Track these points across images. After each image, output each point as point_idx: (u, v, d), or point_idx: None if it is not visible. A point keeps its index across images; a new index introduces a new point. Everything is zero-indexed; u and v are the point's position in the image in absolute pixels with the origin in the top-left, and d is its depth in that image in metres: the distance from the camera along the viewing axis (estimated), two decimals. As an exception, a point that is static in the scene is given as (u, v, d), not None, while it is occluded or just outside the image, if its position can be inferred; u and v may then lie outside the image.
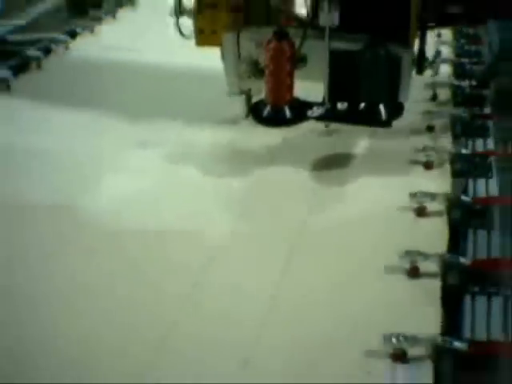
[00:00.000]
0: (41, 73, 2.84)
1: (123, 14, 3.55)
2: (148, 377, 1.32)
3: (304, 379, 1.35)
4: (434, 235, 1.72)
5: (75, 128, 2.33)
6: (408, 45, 1.97)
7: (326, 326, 1.47)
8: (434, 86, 2.44)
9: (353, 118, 1.99)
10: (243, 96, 2.20)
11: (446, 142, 2.15)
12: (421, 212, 1.81)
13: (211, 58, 2.19)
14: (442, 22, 2.17)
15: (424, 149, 2.07)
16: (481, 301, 1.48)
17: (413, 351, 1.36)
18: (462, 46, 2.78)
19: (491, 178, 1.94)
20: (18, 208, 1.90)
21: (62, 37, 3.15)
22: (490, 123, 2.21)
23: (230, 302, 1.53)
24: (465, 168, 2.00)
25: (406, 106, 2.03)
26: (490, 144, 2.11)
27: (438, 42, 2.77)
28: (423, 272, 1.58)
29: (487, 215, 1.76)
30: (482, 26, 2.63)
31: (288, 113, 2.02)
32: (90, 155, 2.15)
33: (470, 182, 1.93)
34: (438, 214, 1.80)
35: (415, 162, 2.04)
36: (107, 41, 3.10)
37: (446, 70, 2.60)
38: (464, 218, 1.77)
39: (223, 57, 2.17)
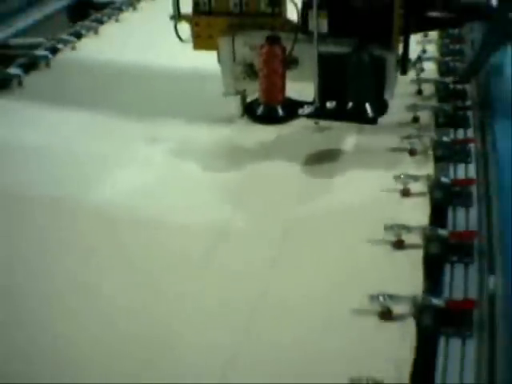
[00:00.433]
0: (49, 71, 2.94)
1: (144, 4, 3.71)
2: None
3: (302, 326, 1.48)
4: (417, 212, 1.84)
5: (80, 125, 2.42)
6: (392, 48, 2.08)
7: (318, 285, 1.60)
8: (419, 81, 2.55)
9: (341, 115, 2.10)
10: (238, 96, 2.29)
11: (429, 131, 2.25)
12: (405, 193, 1.92)
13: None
14: (423, 27, 2.30)
15: (409, 137, 2.17)
16: (459, 268, 1.61)
17: (397, 309, 1.48)
18: (446, 44, 2.88)
19: (470, 163, 2.06)
20: (25, 200, 1.98)
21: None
22: (470, 114, 2.32)
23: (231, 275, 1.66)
24: (446, 154, 2.11)
25: (394, 99, 2.14)
26: (470, 133, 2.21)
27: (425, 41, 2.86)
28: (407, 244, 1.70)
29: (465, 195, 1.88)
30: (466, 26, 2.71)
31: (280, 111, 2.13)
32: (93, 151, 2.24)
33: (451, 166, 2.05)
34: (421, 194, 1.91)
35: (401, 150, 2.14)
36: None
37: (431, 67, 2.70)
38: (444, 197, 1.88)
39: (219, 60, 2.26)
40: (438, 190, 1.90)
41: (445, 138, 2.16)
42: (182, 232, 1.81)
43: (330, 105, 2.09)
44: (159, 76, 2.81)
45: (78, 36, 3.27)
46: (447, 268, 1.62)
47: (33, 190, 2.04)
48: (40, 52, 3.02)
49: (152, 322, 1.52)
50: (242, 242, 1.79)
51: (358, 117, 2.09)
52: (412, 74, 2.47)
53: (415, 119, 2.33)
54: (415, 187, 1.93)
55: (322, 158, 2.16)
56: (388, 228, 1.72)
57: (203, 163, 2.13)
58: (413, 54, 2.33)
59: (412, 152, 2.13)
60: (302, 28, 2.09)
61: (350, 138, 2.25)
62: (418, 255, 1.67)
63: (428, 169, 2.04)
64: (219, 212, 1.90)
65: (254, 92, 2.22)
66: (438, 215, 1.84)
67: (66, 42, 3.17)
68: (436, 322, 1.45)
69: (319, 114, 2.12)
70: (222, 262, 1.71)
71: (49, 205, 1.97)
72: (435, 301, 1.47)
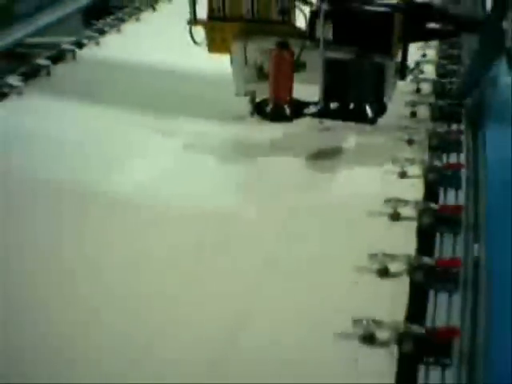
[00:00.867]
0: (75, 63, 3.16)
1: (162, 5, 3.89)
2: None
3: (310, 284, 1.68)
4: (412, 190, 2.05)
5: (100, 120, 2.56)
6: (391, 56, 2.24)
7: (320, 251, 1.81)
8: (417, 80, 2.73)
9: (343, 115, 2.27)
10: (248, 96, 2.43)
11: (426, 124, 2.45)
12: (403, 175, 2.14)
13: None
14: (421, 37, 2.46)
15: (406, 128, 2.38)
16: (448, 237, 1.84)
17: (393, 267, 1.70)
18: (444, 49, 3.05)
19: (461, 152, 2.26)
20: (49, 186, 2.13)
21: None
22: (463, 110, 2.50)
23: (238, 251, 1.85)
24: (440, 143, 2.31)
25: (394, 96, 2.32)
26: (462, 126, 2.40)
27: (425, 46, 3.01)
28: (403, 216, 1.92)
29: (455, 177, 2.10)
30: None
31: (288, 110, 2.31)
32: (113, 144, 2.39)
33: (444, 154, 2.26)
34: (416, 176, 2.13)
35: (399, 139, 2.33)
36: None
37: (430, 69, 2.90)
38: (437, 179, 2.11)
39: (232, 62, 2.42)
40: (431, 173, 2.12)
41: (439, 130, 2.37)
42: (197, 216, 1.96)
43: (333, 105, 2.27)
44: (175, 74, 2.96)
45: (102, 32, 3.49)
46: (437, 236, 1.85)
47: (57, 176, 2.20)
48: (67, 46, 3.23)
49: (176, 303, 1.65)
50: (251, 224, 1.96)
51: (359, 117, 2.26)
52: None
53: (413, 114, 2.53)
54: (412, 170, 2.14)
55: (325, 155, 2.30)
56: (387, 201, 1.94)
57: (216, 156, 2.28)
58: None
59: (410, 142, 2.32)
60: (309, 35, 2.25)
61: (352, 133, 2.39)
62: (412, 226, 1.89)
63: (424, 156, 2.24)
64: (231, 198, 2.06)
65: (263, 93, 2.38)
66: (431, 194, 2.06)
67: (90, 38, 3.39)
68: (427, 278, 1.67)
69: (323, 113, 2.29)
70: (235, 239, 1.89)
71: (69, 190, 2.12)
72: (427, 260, 1.70)
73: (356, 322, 1.52)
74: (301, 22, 2.31)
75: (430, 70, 2.90)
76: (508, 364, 1.38)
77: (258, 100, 2.43)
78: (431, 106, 2.56)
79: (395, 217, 1.92)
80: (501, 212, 1.87)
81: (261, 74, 2.38)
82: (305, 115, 2.31)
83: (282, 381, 1.43)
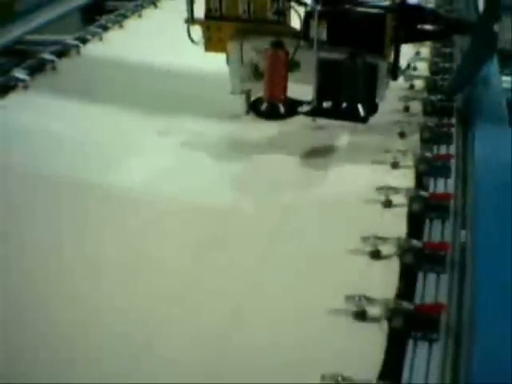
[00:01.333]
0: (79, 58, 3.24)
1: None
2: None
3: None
4: (404, 180, 2.13)
5: (98, 118, 2.62)
6: (384, 56, 2.28)
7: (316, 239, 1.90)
8: (411, 77, 2.81)
9: (335, 114, 2.31)
10: (244, 95, 2.47)
11: (418, 118, 2.52)
12: (395, 165, 2.22)
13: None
14: (413, 38, 2.49)
15: (399, 122, 2.46)
16: (437, 223, 1.92)
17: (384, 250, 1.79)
18: (438, 48, 3.12)
19: (451, 144, 2.34)
20: (50, 182, 2.18)
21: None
22: (454, 105, 2.56)
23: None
24: (431, 136, 2.39)
25: (388, 92, 2.38)
26: (453, 120, 2.47)
27: (418, 44, 3.04)
28: (395, 203, 2.00)
29: (445, 167, 2.18)
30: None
31: (282, 108, 2.35)
32: (111, 141, 2.44)
33: (435, 146, 2.33)
34: (408, 166, 2.21)
35: (392, 132, 2.41)
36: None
37: (423, 66, 2.98)
38: (427, 169, 2.19)
39: (228, 61, 2.46)
40: (422, 164, 2.20)
41: (430, 123, 2.45)
42: (193, 211, 2.02)
43: (326, 104, 2.31)
44: (173, 73, 3.02)
45: (105, 28, 3.58)
46: (427, 222, 1.93)
47: (56, 173, 2.25)
48: (71, 41, 3.32)
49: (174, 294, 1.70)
50: (246, 219, 2.01)
51: (351, 116, 2.30)
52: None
53: (406, 108, 2.60)
54: (403, 161, 2.22)
55: (318, 152, 2.36)
56: (379, 189, 2.03)
57: (213, 153, 2.34)
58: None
59: (402, 135, 2.41)
60: (303, 35, 2.30)
61: (343, 134, 2.46)
62: (403, 212, 1.97)
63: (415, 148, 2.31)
64: (227, 194, 2.12)
65: (258, 91, 2.42)
66: (421, 183, 2.14)
67: (94, 34, 3.48)
68: (416, 260, 1.76)
69: (316, 112, 2.33)
70: (231, 233, 1.95)
71: (69, 186, 2.17)
72: (415, 242, 1.79)
73: (348, 298, 1.60)
74: (296, 22, 2.35)
75: (423, 67, 2.98)
76: (490, 337, 1.46)
77: (253, 98, 2.47)
78: (423, 100, 2.64)
79: (387, 204, 2.01)
80: (486, 201, 1.94)
81: (256, 73, 2.42)
82: (298, 114, 2.34)
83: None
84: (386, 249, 1.80)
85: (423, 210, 1.97)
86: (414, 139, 2.38)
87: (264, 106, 2.37)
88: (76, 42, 3.33)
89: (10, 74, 2.94)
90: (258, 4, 2.39)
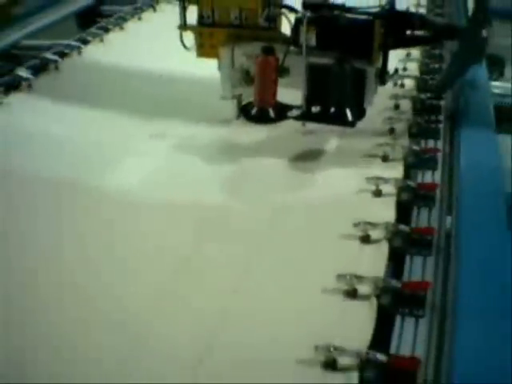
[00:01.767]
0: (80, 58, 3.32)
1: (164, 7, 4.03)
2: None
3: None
4: (393, 171, 2.22)
5: (92, 121, 2.67)
6: (372, 62, 2.32)
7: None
8: (401, 77, 2.88)
9: (324, 118, 2.35)
10: (234, 100, 2.51)
11: (407, 115, 2.59)
12: (385, 158, 2.31)
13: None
14: (401, 44, 2.51)
15: (390, 118, 2.54)
16: (424, 210, 2.01)
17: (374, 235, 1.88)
18: (428, 49, 3.18)
19: (439, 139, 2.42)
20: (43, 183, 2.23)
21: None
22: (442, 102, 2.63)
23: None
24: (419, 132, 2.47)
25: (380, 89, 2.43)
26: (441, 117, 2.55)
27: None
28: (384, 192, 2.09)
29: (431, 160, 2.26)
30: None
31: (272, 113, 2.40)
32: (104, 143, 2.49)
33: (422, 141, 2.42)
34: (398, 159, 2.29)
35: (382, 130, 2.49)
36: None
37: (414, 66, 3.06)
38: (416, 162, 2.28)
39: (219, 67, 2.50)
40: (410, 156, 2.29)
41: (419, 120, 2.53)
42: (186, 214, 2.07)
43: (315, 109, 2.35)
44: (167, 79, 3.07)
45: (106, 30, 3.66)
46: (414, 210, 2.02)
47: (50, 174, 2.30)
48: (72, 42, 3.41)
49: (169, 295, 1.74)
50: (237, 219, 2.06)
51: (339, 120, 2.34)
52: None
53: (396, 106, 2.68)
54: (393, 154, 2.31)
55: (307, 157, 2.40)
56: (369, 179, 2.12)
57: (203, 157, 2.37)
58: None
59: (391, 131, 2.50)
60: (293, 41, 2.33)
61: (331, 138, 2.51)
62: (392, 201, 2.06)
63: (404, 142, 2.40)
64: (217, 197, 2.16)
65: (248, 96, 2.46)
66: (409, 173, 2.24)
67: (94, 35, 3.56)
68: (404, 244, 1.85)
69: (305, 116, 2.37)
70: (221, 233, 2.00)
71: (64, 188, 2.21)
72: (403, 227, 1.88)
73: (340, 277, 1.69)
74: (286, 28, 2.38)
75: (413, 67, 3.06)
76: (472, 313, 1.55)
77: (243, 103, 2.51)
78: (413, 99, 2.71)
79: (377, 193, 2.10)
80: (470, 190, 2.04)
81: (247, 79, 2.46)
82: (288, 118, 2.38)
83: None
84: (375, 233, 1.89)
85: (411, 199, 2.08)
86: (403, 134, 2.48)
87: (254, 111, 2.41)
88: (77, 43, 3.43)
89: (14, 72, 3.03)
90: (249, 11, 2.43)
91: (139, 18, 3.93)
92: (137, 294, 1.73)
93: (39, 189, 2.22)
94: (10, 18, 3.92)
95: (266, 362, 1.52)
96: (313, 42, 2.31)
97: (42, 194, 2.19)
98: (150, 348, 1.56)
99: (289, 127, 2.46)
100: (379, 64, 2.39)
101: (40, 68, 3.13)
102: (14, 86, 2.95)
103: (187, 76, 2.99)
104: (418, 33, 2.44)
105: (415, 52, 3.17)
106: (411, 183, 2.11)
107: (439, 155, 2.31)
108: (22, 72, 3.03)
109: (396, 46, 2.49)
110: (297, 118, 2.39)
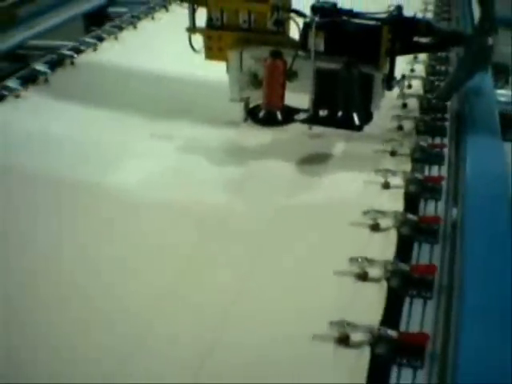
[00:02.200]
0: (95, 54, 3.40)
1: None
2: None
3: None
4: (401, 165, 2.28)
5: (97, 120, 2.70)
6: (379, 67, 2.35)
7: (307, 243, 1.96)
8: (409, 78, 2.94)
9: (331, 122, 2.37)
10: (242, 103, 2.53)
11: (415, 113, 2.66)
12: (393, 153, 2.36)
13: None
14: (408, 50, 2.55)
15: (398, 116, 2.60)
16: (431, 202, 2.09)
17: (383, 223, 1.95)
18: (433, 65, 3.18)
19: (446, 136, 2.49)
20: (46, 182, 2.24)
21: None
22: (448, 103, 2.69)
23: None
24: (426, 129, 2.52)
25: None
26: (447, 115, 2.61)
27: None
28: (392, 185, 2.16)
29: (439, 157, 2.35)
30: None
31: (279, 116, 2.42)
32: (110, 144, 2.50)
33: (429, 138, 2.47)
34: (405, 155, 2.35)
35: (390, 128, 2.54)
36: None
37: (421, 68, 3.12)
38: (422, 157, 2.35)
39: (228, 70, 2.53)
40: (418, 152, 2.36)
41: (426, 118, 2.60)
42: (189, 213, 2.08)
43: (322, 113, 2.37)
44: (175, 78, 3.09)
45: (120, 29, 3.76)
46: (422, 202, 2.09)
47: (53, 174, 2.31)
48: (89, 39, 3.53)
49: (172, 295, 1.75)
50: (240, 221, 2.07)
51: (346, 124, 2.36)
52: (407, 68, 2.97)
53: (404, 105, 2.73)
54: (401, 150, 2.38)
55: (313, 160, 2.41)
56: (378, 172, 2.19)
57: (210, 158, 2.38)
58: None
59: (400, 127, 2.56)
60: (302, 46, 2.36)
61: (338, 142, 2.52)
62: (400, 192, 2.13)
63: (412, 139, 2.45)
64: (222, 198, 2.17)
65: (256, 99, 2.49)
66: (417, 167, 2.29)
67: (109, 33, 3.66)
68: (412, 231, 1.92)
69: (313, 120, 2.39)
70: (224, 234, 2.01)
71: (66, 187, 2.23)
72: (411, 217, 1.95)
73: (352, 260, 1.76)
74: (294, 33, 2.41)
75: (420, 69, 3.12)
76: (477, 294, 1.62)
77: (251, 106, 2.53)
78: (420, 98, 2.79)
79: (386, 186, 2.16)
80: (475, 183, 2.10)
81: (255, 82, 2.48)
82: (295, 121, 2.40)
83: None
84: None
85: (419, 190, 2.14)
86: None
87: (262, 113, 2.43)
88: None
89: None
90: (258, 14, 2.45)
91: (152, 18, 4.02)
92: (137, 293, 1.74)
93: (40, 187, 2.24)
94: (16, 19, 3.94)
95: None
96: (321, 46, 2.33)
97: (43, 192, 2.21)
98: (149, 348, 1.57)
99: (296, 130, 2.48)
100: (386, 69, 2.41)
101: (57, 63, 3.21)
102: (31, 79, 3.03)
103: (195, 78, 3.02)
104: (425, 39, 2.47)
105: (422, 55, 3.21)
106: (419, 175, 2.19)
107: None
108: (40, 66, 3.12)
109: (403, 52, 2.51)
110: (304, 122, 2.41)
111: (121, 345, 1.58)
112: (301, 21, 2.38)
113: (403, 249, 1.89)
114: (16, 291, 1.75)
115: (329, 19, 2.32)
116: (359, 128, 2.36)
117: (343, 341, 1.55)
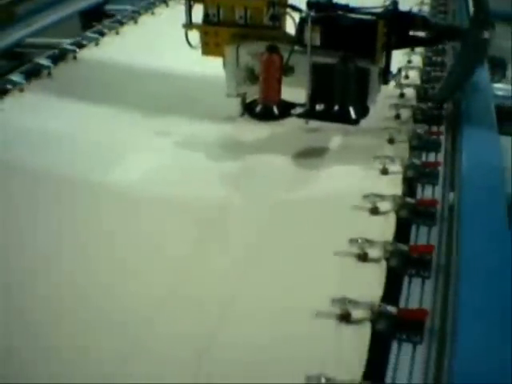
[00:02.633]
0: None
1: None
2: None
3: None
4: (402, 152, 2.33)
5: (96, 117, 2.71)
6: (375, 61, 2.35)
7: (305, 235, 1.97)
8: (407, 68, 2.99)
9: (327, 116, 2.38)
10: (239, 98, 2.53)
11: (412, 102, 2.70)
12: (391, 141, 2.42)
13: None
14: (404, 44, 2.57)
15: (396, 105, 2.64)
16: (428, 187, 2.14)
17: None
18: (430, 56, 3.22)
19: (442, 125, 2.53)
20: (46, 179, 2.25)
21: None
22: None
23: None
24: (424, 117, 2.56)
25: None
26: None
27: None
28: (391, 171, 2.21)
29: (436, 143, 2.40)
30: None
31: (276, 110, 2.42)
32: (109, 140, 2.51)
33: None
34: (403, 141, 2.41)
35: (388, 117, 2.58)
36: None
37: (418, 59, 3.15)
38: (420, 145, 2.40)
39: (224, 65, 2.53)
40: (415, 139, 2.41)
41: (423, 106, 2.65)
42: (188, 208, 2.10)
43: (318, 107, 2.38)
44: (171, 75, 3.11)
45: (121, 24, 3.81)
46: (419, 186, 2.14)
47: (54, 171, 2.32)
48: (91, 34, 3.59)
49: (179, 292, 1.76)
50: (238, 215, 2.08)
51: (343, 118, 2.37)
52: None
53: (402, 95, 2.77)
54: (399, 137, 2.42)
55: (310, 154, 2.42)
56: (376, 158, 2.25)
57: (208, 153, 2.40)
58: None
59: (397, 116, 2.60)
60: (298, 40, 2.37)
61: (335, 136, 2.53)
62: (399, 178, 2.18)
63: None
64: (220, 192, 2.19)
65: (253, 95, 2.49)
66: (415, 153, 2.34)
67: (110, 28, 3.72)
68: (410, 215, 1.98)
69: (309, 114, 2.40)
70: (221, 229, 2.02)
71: (66, 184, 2.24)
72: (410, 200, 2.02)
73: (352, 241, 1.81)
74: (291, 28, 2.41)
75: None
76: (474, 273, 1.66)
77: (248, 101, 2.53)
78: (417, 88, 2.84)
79: (384, 171, 2.21)
80: (471, 173, 2.13)
81: (252, 77, 2.48)
82: (292, 115, 2.41)
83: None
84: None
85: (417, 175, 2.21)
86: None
87: (258, 108, 2.44)
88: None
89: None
90: (254, 10, 2.46)
91: (152, 13, 4.07)
92: (137, 293, 1.74)
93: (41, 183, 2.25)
94: (14, 17, 3.94)
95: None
96: (317, 41, 2.34)
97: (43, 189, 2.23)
98: (149, 348, 1.57)
99: (292, 124, 2.49)
100: (382, 63, 2.42)
101: (59, 57, 3.25)
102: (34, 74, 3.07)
103: (192, 73, 3.03)
104: (421, 33, 2.49)
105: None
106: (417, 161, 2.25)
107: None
108: (43, 61, 3.16)
109: (399, 46, 2.53)
110: (300, 116, 2.42)
111: (121, 345, 1.58)
112: (297, 16, 2.38)
113: (402, 231, 1.94)
114: (15, 291, 1.74)
115: (324, 14, 2.33)
116: (355, 122, 2.37)
117: (345, 318, 1.59)
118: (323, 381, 1.43)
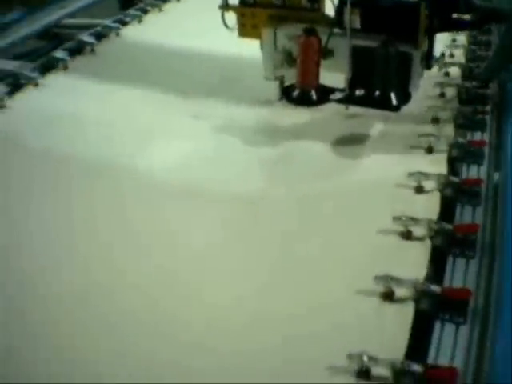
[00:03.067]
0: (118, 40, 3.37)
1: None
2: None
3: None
4: (446, 128, 2.35)
5: (133, 101, 2.68)
6: (417, 45, 2.28)
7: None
8: (451, 47, 2.97)
9: (368, 102, 2.32)
10: (277, 82, 2.50)
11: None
12: (435, 120, 2.40)
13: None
14: (446, 28, 2.47)
15: (440, 84, 2.62)
16: (473, 166, 2.13)
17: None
18: (474, 35, 3.14)
19: (487, 105, 2.47)
20: (82, 161, 2.26)
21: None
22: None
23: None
24: (465, 122, 2.43)
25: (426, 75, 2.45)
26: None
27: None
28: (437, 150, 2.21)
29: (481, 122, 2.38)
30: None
31: (314, 95, 2.37)
32: (148, 124, 2.49)
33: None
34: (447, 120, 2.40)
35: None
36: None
37: (463, 38, 3.10)
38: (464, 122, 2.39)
39: (262, 48, 2.49)
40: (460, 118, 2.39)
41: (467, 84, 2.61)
42: (224, 196, 2.05)
43: (358, 92, 2.31)
44: (208, 58, 3.05)
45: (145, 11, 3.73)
46: (464, 167, 2.13)
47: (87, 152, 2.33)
48: (134, 12, 3.64)
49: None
50: (274, 205, 2.04)
51: (383, 104, 2.31)
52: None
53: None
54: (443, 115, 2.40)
55: (348, 141, 2.36)
56: (421, 136, 2.26)
57: (244, 138, 2.36)
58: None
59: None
60: (337, 23, 2.31)
61: (376, 123, 2.45)
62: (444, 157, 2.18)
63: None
64: (256, 181, 2.14)
65: (291, 78, 2.44)
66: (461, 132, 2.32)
67: (153, 5, 3.76)
68: (455, 193, 1.98)
69: (349, 100, 2.34)
70: (262, 218, 1.99)
71: (101, 167, 2.23)
72: (454, 179, 2.01)
73: (395, 219, 1.83)
74: (330, 9, 2.36)
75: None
76: None
77: (286, 85, 2.49)
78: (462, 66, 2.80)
79: (429, 150, 2.21)
80: None
81: (289, 60, 2.43)
82: (330, 101, 2.35)
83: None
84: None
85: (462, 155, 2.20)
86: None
87: (296, 93, 2.39)
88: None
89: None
90: (292, -10, 2.40)
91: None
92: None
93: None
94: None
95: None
96: (357, 24, 2.27)
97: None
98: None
99: (331, 109, 2.43)
100: (425, 47, 2.35)
101: (77, 50, 3.19)
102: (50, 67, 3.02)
103: (227, 55, 2.99)
104: (464, 16, 2.40)
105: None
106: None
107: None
108: (59, 54, 3.09)
109: (441, 30, 2.44)
110: (340, 102, 2.36)
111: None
112: (336, -3, 2.32)
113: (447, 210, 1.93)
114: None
115: None
116: (397, 108, 2.31)
117: (388, 296, 1.60)
118: (365, 359, 1.42)
